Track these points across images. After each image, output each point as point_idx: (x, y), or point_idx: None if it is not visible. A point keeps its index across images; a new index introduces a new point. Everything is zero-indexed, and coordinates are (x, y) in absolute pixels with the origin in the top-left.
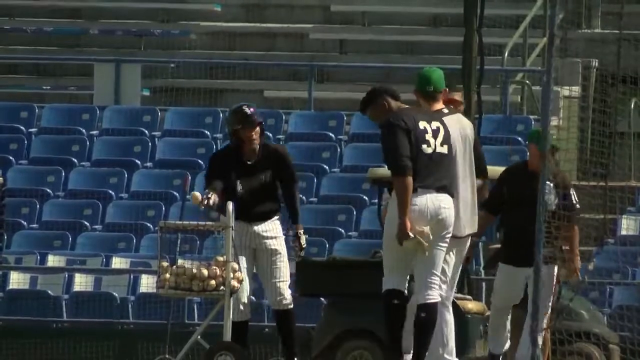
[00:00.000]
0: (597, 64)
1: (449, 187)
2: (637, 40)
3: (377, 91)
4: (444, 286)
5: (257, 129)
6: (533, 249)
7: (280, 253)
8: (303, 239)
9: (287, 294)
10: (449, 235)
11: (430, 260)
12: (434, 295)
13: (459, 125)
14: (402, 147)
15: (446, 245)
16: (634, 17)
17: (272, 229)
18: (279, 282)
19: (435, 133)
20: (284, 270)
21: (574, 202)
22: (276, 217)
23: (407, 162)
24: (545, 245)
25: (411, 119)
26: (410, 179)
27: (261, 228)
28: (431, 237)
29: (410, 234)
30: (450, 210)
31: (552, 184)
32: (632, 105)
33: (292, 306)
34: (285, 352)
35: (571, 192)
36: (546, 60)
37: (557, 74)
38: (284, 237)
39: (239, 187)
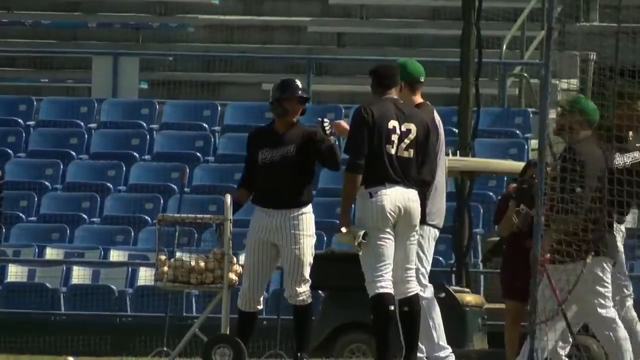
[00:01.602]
0: (595, 57)
1: (414, 183)
2: (635, 34)
3: (371, 71)
4: (422, 279)
5: (300, 104)
6: None
7: (300, 253)
8: (326, 124)
9: (302, 290)
10: (417, 227)
11: (404, 254)
12: (413, 288)
13: (438, 118)
14: (360, 146)
15: (416, 237)
16: (632, 10)
17: (296, 224)
18: (295, 279)
19: (403, 135)
20: (302, 268)
21: None
22: (303, 210)
23: (362, 161)
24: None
25: (382, 113)
26: (359, 178)
27: (283, 221)
28: (363, 241)
29: (344, 230)
30: (417, 203)
31: None
32: None
33: (307, 302)
34: (295, 345)
35: None
36: (544, 53)
37: (555, 67)
38: (310, 237)
39: (260, 157)
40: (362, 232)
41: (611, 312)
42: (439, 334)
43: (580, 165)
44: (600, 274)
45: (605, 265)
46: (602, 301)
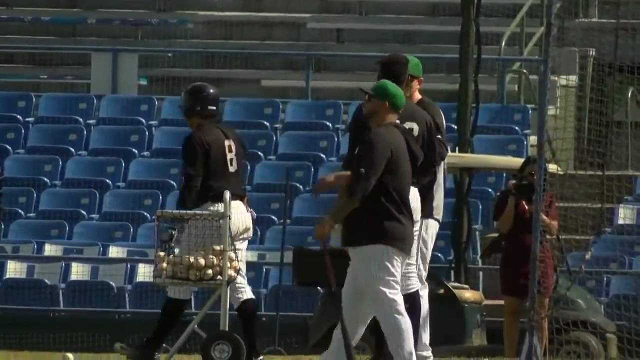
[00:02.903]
0: (594, 53)
1: (413, 181)
2: (634, 30)
3: (380, 64)
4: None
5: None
6: None
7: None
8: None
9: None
10: (418, 224)
11: None
12: (414, 284)
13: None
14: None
15: (416, 233)
16: (631, 6)
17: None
18: None
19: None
20: None
21: None
22: (197, 207)
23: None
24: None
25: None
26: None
27: None
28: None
29: (337, 226)
30: (417, 201)
31: None
32: (629, 95)
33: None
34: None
35: None
36: (543, 49)
37: (554, 63)
38: (186, 228)
39: None
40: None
41: (398, 298)
42: (427, 334)
43: (369, 148)
44: (385, 262)
45: (388, 253)
46: (387, 288)
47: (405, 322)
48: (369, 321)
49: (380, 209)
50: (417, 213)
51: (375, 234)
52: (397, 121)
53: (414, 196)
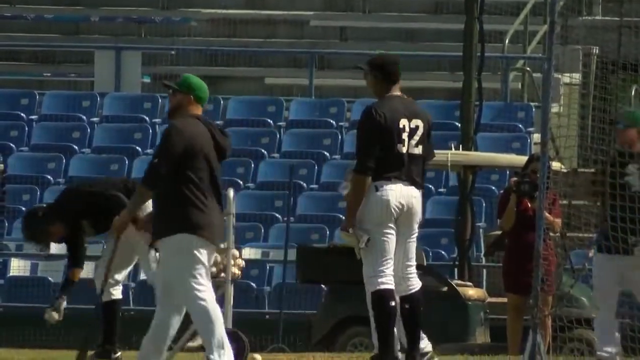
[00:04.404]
0: (597, 51)
1: (419, 182)
2: (638, 28)
3: (376, 66)
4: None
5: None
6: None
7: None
8: None
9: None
10: (417, 225)
11: (404, 252)
12: (414, 285)
13: None
14: (371, 148)
15: (416, 234)
16: (635, 4)
17: None
18: None
19: (412, 132)
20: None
21: None
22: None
23: (371, 164)
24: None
25: (392, 113)
26: (368, 180)
27: None
28: (364, 245)
29: (350, 230)
30: (419, 200)
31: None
32: (633, 93)
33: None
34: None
35: None
36: (547, 47)
37: (557, 61)
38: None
39: None
40: (366, 237)
41: (202, 287)
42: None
43: (164, 139)
44: (191, 251)
45: (192, 242)
46: (192, 277)
47: (213, 309)
48: (183, 312)
49: (183, 199)
50: (417, 215)
51: (179, 224)
52: (405, 121)
53: (417, 197)
